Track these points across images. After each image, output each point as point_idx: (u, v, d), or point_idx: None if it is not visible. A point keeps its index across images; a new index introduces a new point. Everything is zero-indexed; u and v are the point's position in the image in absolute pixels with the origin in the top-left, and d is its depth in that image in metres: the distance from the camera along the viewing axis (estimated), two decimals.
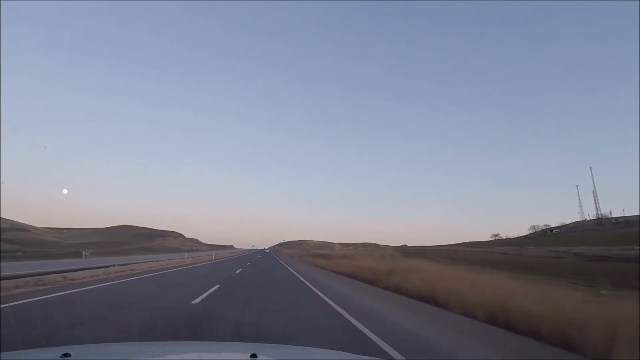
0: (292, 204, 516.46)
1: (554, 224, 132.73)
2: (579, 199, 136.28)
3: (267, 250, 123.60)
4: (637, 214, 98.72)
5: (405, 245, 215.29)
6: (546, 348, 4.58)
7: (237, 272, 18.68)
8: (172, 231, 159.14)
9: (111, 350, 1.93)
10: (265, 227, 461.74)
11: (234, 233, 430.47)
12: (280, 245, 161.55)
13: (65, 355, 1.33)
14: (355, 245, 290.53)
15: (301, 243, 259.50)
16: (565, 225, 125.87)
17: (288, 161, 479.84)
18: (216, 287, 10.78)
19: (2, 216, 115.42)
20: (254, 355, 1.40)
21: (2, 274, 9.99)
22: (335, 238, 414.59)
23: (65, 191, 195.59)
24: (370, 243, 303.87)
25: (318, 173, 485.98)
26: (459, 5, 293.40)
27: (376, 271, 13.83)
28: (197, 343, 3.19)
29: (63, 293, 8.98)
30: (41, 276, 11.18)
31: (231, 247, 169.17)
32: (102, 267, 15.73)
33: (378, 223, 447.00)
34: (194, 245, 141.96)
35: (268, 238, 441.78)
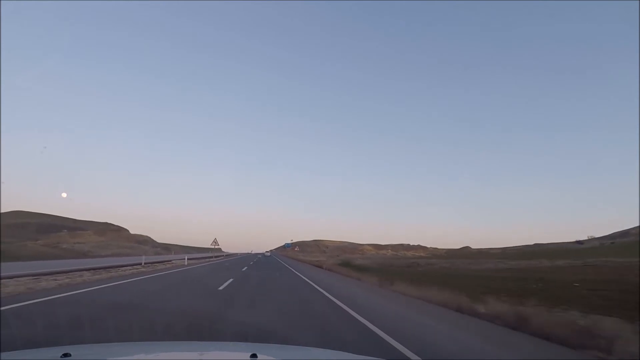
0: (292, 205, 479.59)
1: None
2: None
3: (268, 254, 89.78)
4: None
5: (468, 247, 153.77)
6: None
7: None
8: (104, 222, 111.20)
9: (111, 350, 1.91)
10: (264, 229, 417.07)
11: (232, 234, 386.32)
12: (287, 246, 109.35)
13: (65, 355, 1.33)
14: (393, 246, 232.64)
15: (317, 244, 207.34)
16: None
17: (292, 162, 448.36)
18: None
19: None
20: (254, 355, 1.41)
21: None
22: (361, 239, 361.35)
23: (64, 195, 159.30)
24: (411, 245, 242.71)
25: (323, 174, 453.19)
26: (458, 5, 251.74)
27: None
28: (197, 343, 3.11)
29: None
30: None
31: (220, 249, 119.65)
32: None
33: (420, 224, 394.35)
34: (134, 245, 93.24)
35: (268, 239, 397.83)
